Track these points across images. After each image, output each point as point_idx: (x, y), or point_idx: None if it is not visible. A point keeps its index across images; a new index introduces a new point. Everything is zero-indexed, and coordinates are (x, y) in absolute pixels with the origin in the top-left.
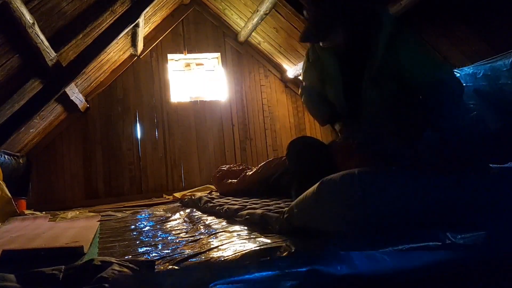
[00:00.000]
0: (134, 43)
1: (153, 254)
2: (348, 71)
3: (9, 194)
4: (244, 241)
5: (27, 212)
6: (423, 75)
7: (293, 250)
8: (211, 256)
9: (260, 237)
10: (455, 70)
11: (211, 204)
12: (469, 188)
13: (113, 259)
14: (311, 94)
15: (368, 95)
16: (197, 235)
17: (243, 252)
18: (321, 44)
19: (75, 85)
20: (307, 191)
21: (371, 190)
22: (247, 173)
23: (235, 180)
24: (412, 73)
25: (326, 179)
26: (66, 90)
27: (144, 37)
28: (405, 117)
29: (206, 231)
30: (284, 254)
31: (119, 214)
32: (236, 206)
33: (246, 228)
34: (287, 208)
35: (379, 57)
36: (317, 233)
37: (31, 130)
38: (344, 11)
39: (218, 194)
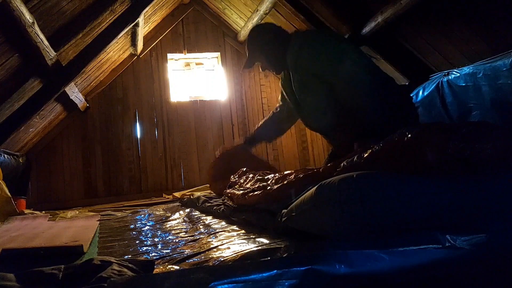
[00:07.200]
0: (134, 43)
1: (153, 254)
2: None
3: (9, 194)
4: (243, 241)
5: (26, 211)
6: (329, 71)
7: (292, 250)
8: (211, 256)
9: (259, 238)
10: (456, 70)
11: (209, 204)
12: (469, 191)
13: (112, 259)
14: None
15: (301, 99)
16: (197, 235)
17: (243, 252)
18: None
19: (74, 84)
20: (305, 194)
21: (369, 194)
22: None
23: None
24: (321, 71)
25: (324, 183)
26: (65, 89)
27: (144, 37)
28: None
29: (206, 230)
30: (284, 255)
31: (119, 214)
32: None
33: (244, 228)
34: (285, 211)
35: (293, 66)
36: (316, 235)
37: (30, 130)
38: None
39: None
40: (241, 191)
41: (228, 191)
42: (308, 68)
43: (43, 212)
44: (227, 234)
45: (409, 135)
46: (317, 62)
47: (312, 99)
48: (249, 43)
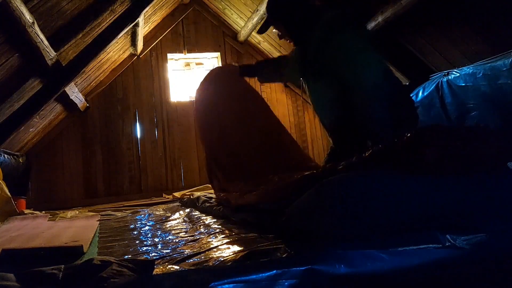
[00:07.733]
0: (134, 43)
1: (153, 254)
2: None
3: (9, 194)
4: (243, 241)
5: (26, 211)
6: (346, 72)
7: (292, 250)
8: (211, 256)
9: (258, 238)
10: (456, 70)
11: (209, 204)
12: (469, 191)
13: (112, 259)
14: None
15: (311, 85)
16: (197, 235)
17: (243, 252)
18: (274, 30)
19: (74, 84)
20: (305, 194)
21: (369, 194)
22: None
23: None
24: (340, 71)
25: (324, 183)
26: (65, 89)
27: (144, 37)
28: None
29: (206, 230)
30: (284, 255)
31: (119, 214)
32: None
33: (244, 228)
34: (285, 210)
35: (312, 55)
36: (316, 234)
37: (30, 130)
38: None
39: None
40: (238, 192)
41: (223, 194)
42: (327, 63)
43: (43, 212)
44: (227, 234)
45: (409, 136)
46: (338, 62)
47: (322, 91)
48: (272, 6)
